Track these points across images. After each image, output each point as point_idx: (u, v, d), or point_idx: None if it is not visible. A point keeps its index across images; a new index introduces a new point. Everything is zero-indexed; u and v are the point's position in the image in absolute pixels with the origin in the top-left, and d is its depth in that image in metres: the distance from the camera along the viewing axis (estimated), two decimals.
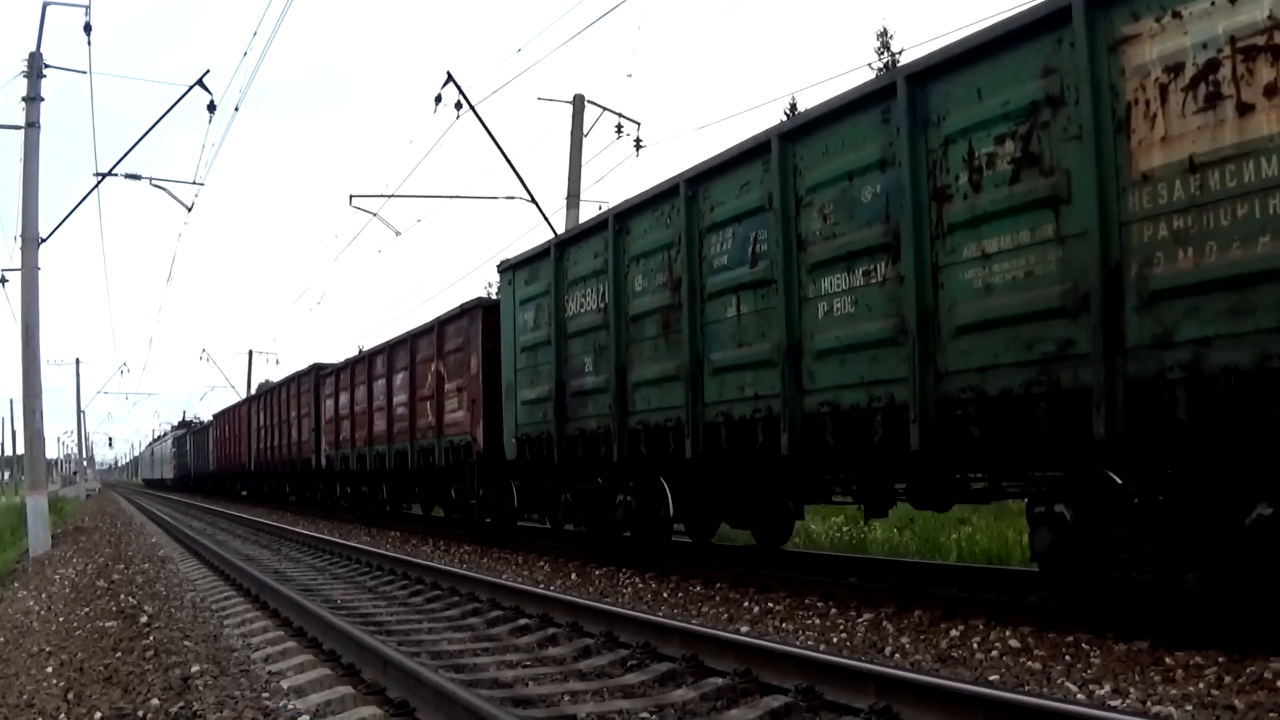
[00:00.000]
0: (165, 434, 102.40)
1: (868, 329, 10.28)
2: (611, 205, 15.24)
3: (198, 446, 67.78)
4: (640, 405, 14.18)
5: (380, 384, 26.77)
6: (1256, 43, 7.14)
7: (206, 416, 67.01)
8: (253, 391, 57.27)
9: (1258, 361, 7.06)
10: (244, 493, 51.80)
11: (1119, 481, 8.23)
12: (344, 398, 30.09)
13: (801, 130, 11.32)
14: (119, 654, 9.43)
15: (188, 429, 79.82)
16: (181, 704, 7.22)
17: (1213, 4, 7.39)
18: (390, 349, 26.05)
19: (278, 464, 39.80)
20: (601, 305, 15.10)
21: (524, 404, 17.56)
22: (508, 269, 18.17)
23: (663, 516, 14.48)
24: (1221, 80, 7.36)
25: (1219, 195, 7.32)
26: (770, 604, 11.18)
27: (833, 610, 10.55)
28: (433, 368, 22.61)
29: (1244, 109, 7.21)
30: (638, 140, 26.82)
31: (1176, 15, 7.63)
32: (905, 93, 9.77)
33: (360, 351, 29.07)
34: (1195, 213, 7.47)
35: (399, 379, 25.22)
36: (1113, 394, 7.93)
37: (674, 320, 13.37)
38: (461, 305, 21.07)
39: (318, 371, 33.78)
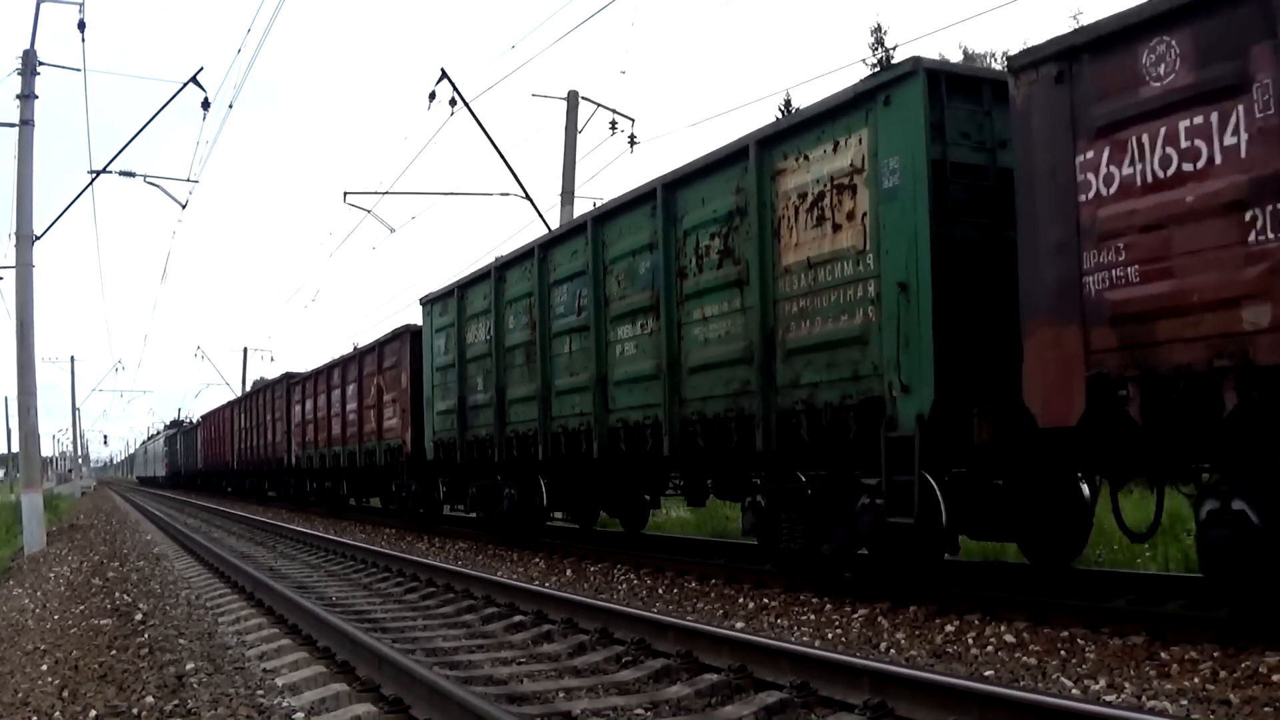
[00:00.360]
0: (158, 433, 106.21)
1: (641, 367, 14.10)
2: (497, 256, 18.82)
3: (187, 446, 71.73)
4: (513, 418, 18.11)
5: (337, 393, 30.51)
6: (844, 182, 10.64)
7: (200, 414, 67.56)
8: (247, 389, 59.21)
9: (841, 399, 10.61)
10: (229, 489, 56.20)
11: (802, 478, 11.64)
12: (309, 404, 33.88)
13: (607, 216, 15.18)
14: (114, 652, 9.41)
15: (178, 429, 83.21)
16: (176, 701, 7.21)
17: (824, 152, 10.91)
18: (344, 363, 29.93)
19: (257, 462, 43.81)
20: (489, 338, 18.87)
21: (438, 414, 21.60)
22: (426, 303, 22.05)
23: (539, 506, 17.98)
24: (825, 206, 10.90)
25: (822, 286, 10.91)
26: (765, 600, 11.19)
27: (828, 606, 10.55)
28: (375, 381, 26.72)
29: (835, 227, 10.75)
30: (632, 136, 26.79)
31: (805, 157, 11.18)
32: (662, 197, 13.49)
33: (330, 360, 32.39)
34: (810, 297, 11.09)
35: (351, 389, 29.06)
36: (768, 418, 11.55)
37: (533, 353, 17.14)
38: (394, 330, 25.32)
39: (288, 380, 38.02)
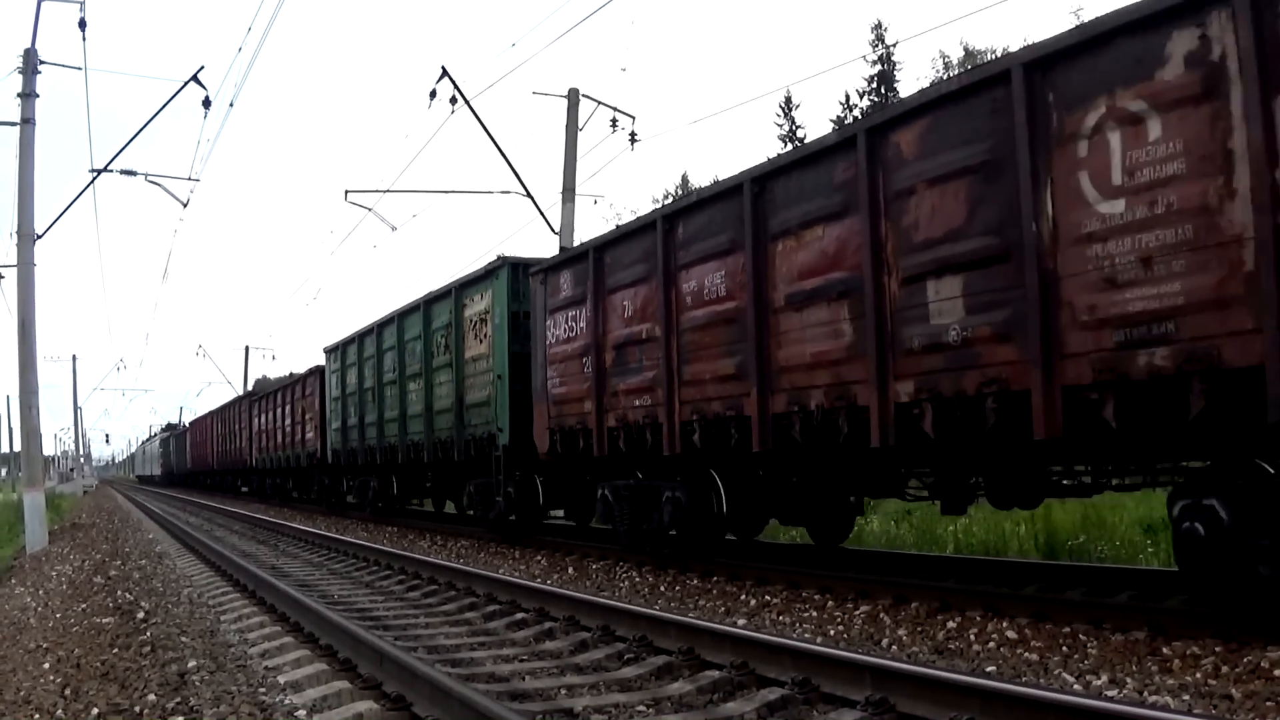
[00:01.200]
0: (154, 436, 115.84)
1: (418, 408, 22.79)
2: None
3: (179, 448, 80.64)
4: (368, 435, 26.72)
5: (280, 411, 39.04)
6: (483, 316, 19.03)
7: (203, 412, 69.15)
8: (249, 388, 61.94)
9: (483, 433, 19.43)
10: (209, 484, 65.39)
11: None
12: (263, 418, 42.47)
13: (405, 313, 23.90)
14: (116, 650, 9.42)
15: (171, 433, 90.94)
16: (178, 699, 7.22)
17: (477, 298, 19.37)
18: (285, 388, 38.82)
19: (230, 463, 52.67)
20: (356, 381, 27.78)
21: (334, 430, 30.08)
22: (328, 351, 30.83)
23: (394, 496, 27.03)
24: (477, 328, 19.44)
25: (477, 372, 19.53)
26: (767, 597, 11.18)
27: (830, 603, 10.55)
28: (300, 405, 35.64)
29: (479, 339, 19.39)
30: (633, 134, 26.74)
31: (472, 299, 19.69)
32: (423, 309, 22.45)
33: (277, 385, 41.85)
34: (473, 377, 19.83)
35: (287, 410, 37.80)
36: (462, 443, 20.21)
37: (373, 394, 26.04)
38: (311, 368, 34.29)
39: (249, 397, 47.66)
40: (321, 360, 32.11)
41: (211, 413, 61.56)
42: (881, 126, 10.08)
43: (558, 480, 18.58)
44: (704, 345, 12.69)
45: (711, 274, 12.46)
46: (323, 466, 32.78)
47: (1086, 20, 8.15)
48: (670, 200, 13.57)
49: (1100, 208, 7.89)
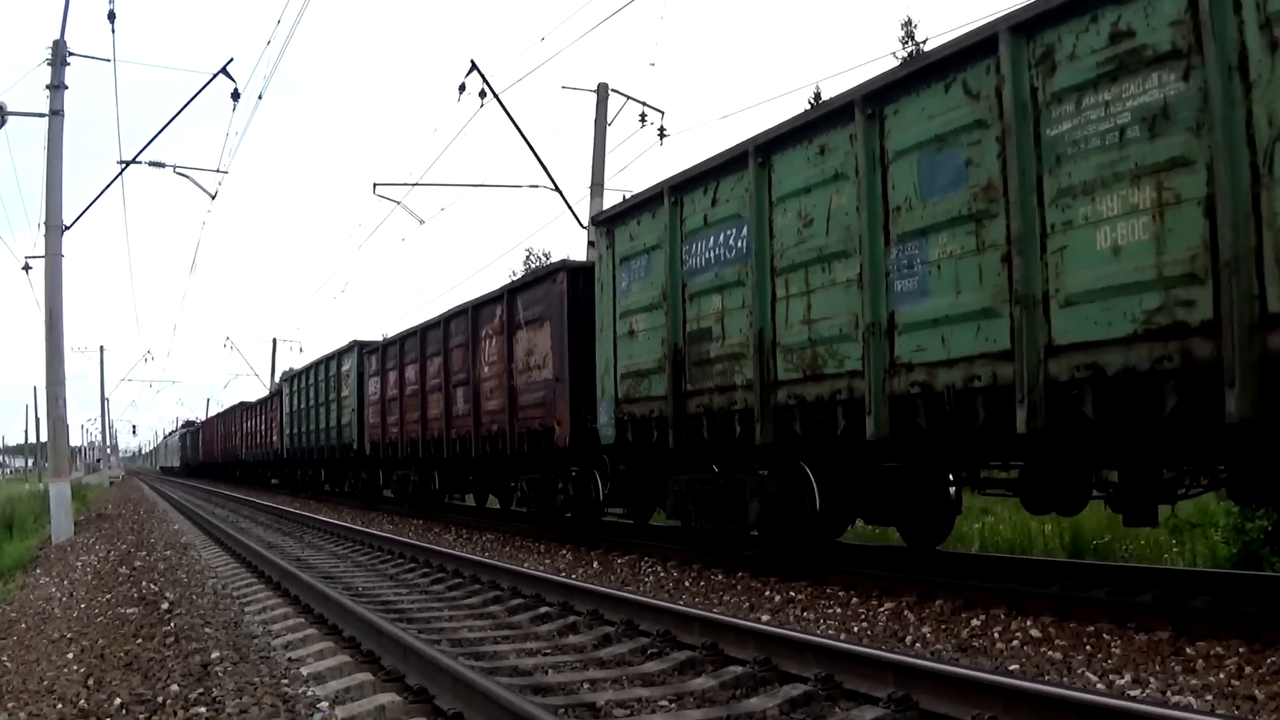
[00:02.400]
0: (174, 432, 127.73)
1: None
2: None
3: (193, 443, 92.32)
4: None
5: (257, 419, 51.50)
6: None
7: (231, 403, 72.63)
8: (276, 380, 67.17)
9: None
10: (238, 475, 70.52)
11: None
12: (248, 424, 54.71)
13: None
14: (139, 640, 9.47)
15: (188, 429, 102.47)
16: (201, 690, 7.24)
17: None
18: (258, 404, 51.78)
19: (229, 457, 64.55)
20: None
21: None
22: (286, 379, 38.01)
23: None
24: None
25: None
26: (792, 593, 11.17)
27: (854, 600, 10.53)
28: (268, 416, 47.49)
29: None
30: (661, 129, 26.77)
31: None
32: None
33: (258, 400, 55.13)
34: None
35: (264, 419, 48.92)
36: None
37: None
38: (260, 399, 49.01)
39: (242, 406, 59.78)
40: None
41: (217, 415, 77.36)
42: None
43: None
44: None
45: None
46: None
47: None
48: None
49: None
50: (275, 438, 44.79)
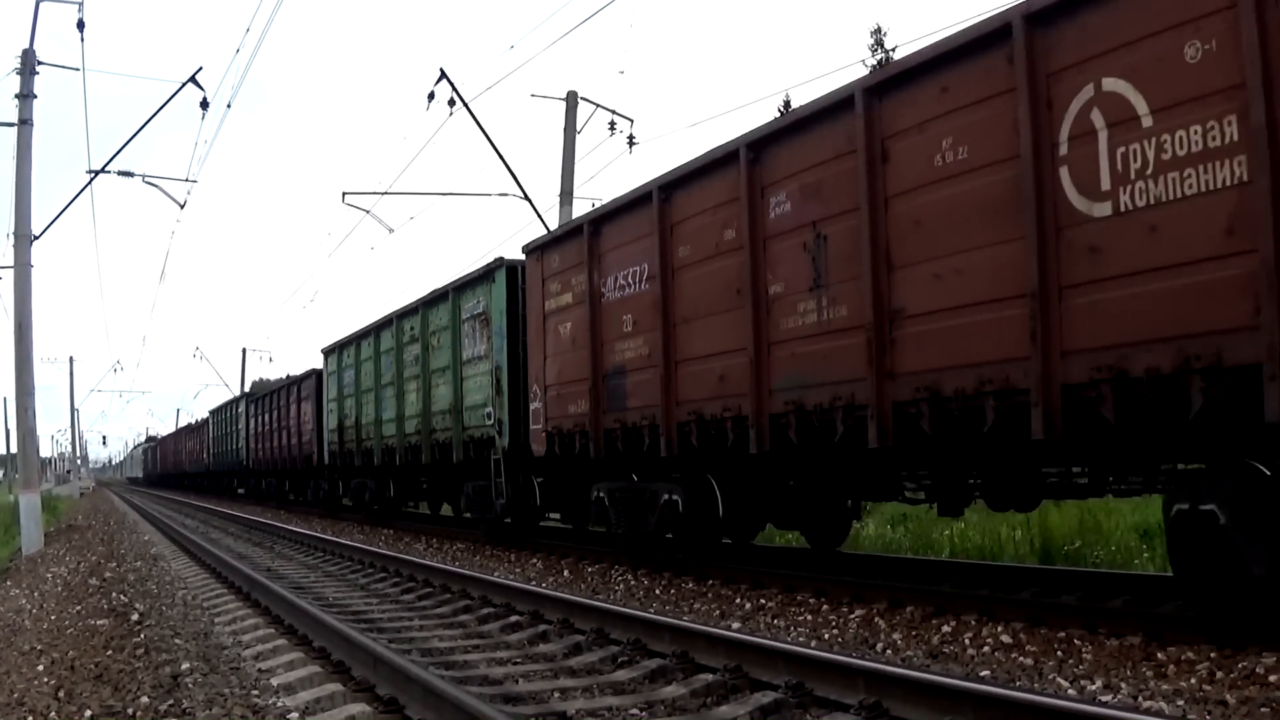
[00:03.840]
0: (138, 445, 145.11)
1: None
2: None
3: (154, 456, 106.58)
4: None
5: (195, 440, 65.38)
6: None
7: (201, 414, 75.89)
8: (246, 389, 69.49)
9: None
10: (172, 483, 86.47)
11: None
12: (190, 443, 67.94)
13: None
14: (110, 652, 9.40)
15: (151, 444, 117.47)
16: (171, 701, 7.21)
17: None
18: (196, 426, 65.27)
19: (187, 468, 72.50)
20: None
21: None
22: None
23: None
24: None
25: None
26: (762, 601, 11.17)
27: (825, 607, 10.53)
28: (199, 438, 62.23)
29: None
30: (631, 137, 26.75)
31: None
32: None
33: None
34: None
35: (197, 439, 63.29)
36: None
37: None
38: (196, 423, 68.31)
39: (188, 426, 73.63)
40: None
41: (174, 432, 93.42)
42: None
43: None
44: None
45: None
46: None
47: None
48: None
49: None
50: (203, 455, 60.42)
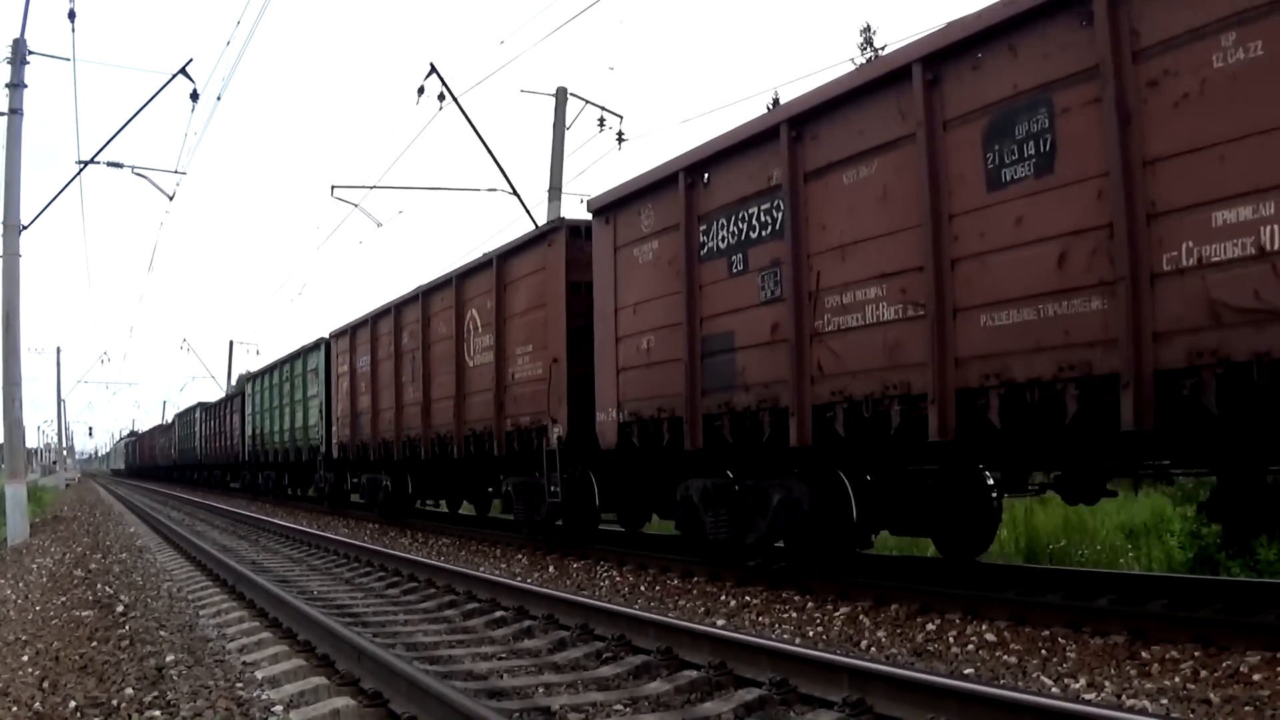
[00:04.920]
0: (122, 439, 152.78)
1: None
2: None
3: (135, 449, 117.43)
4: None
5: (162, 438, 78.87)
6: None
7: (188, 404, 77.96)
8: (232, 383, 71.35)
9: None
10: (149, 474, 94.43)
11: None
12: (162, 440, 78.33)
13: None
14: (94, 643, 9.39)
15: (132, 438, 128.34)
16: (155, 693, 7.19)
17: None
18: (165, 426, 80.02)
19: (159, 461, 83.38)
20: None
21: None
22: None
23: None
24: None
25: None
26: (747, 598, 11.17)
27: (809, 604, 10.53)
28: (167, 436, 75.56)
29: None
30: (620, 133, 26.74)
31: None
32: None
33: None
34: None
35: (168, 436, 73.46)
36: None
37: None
38: (164, 424, 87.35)
39: (161, 425, 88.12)
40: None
41: (150, 429, 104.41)
42: None
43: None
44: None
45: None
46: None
47: None
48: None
49: None
50: (171, 451, 72.06)
